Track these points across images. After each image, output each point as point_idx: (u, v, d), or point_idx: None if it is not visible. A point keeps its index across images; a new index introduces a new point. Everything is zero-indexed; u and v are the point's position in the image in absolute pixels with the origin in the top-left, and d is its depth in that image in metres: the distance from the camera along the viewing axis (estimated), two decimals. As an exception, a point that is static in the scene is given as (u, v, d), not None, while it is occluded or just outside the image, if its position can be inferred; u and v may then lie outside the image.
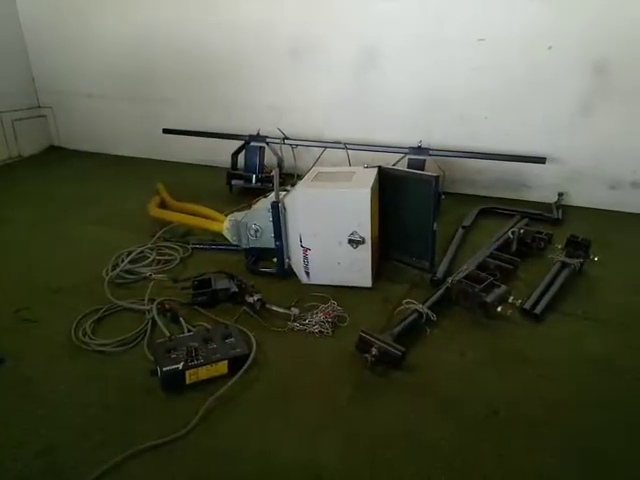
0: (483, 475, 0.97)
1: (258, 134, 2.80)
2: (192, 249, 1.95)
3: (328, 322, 1.43)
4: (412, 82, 2.60)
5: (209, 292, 1.54)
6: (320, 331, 1.41)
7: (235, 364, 1.22)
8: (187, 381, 1.18)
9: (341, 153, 2.67)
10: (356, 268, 1.62)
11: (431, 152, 2.51)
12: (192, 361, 1.18)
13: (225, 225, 1.85)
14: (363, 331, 1.31)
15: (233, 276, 1.60)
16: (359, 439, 1.05)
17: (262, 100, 2.98)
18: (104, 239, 2.08)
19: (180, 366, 1.17)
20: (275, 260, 1.73)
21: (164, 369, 1.16)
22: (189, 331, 1.39)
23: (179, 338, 1.28)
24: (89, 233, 2.16)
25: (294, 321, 1.45)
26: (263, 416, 1.11)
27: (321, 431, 1.07)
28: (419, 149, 2.53)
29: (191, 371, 1.17)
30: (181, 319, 1.44)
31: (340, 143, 2.67)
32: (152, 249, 1.91)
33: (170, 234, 2.07)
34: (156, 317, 1.44)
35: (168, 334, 1.34)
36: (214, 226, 1.96)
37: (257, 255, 1.86)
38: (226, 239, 1.87)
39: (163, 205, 2.35)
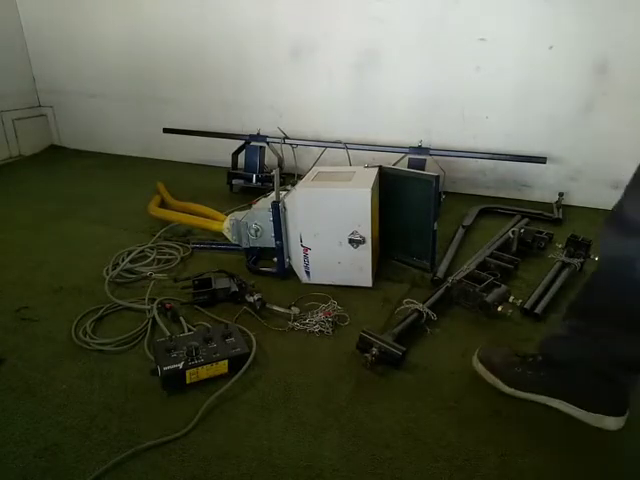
0: (484, 475, 0.97)
1: (258, 134, 2.80)
2: (192, 249, 1.95)
3: (328, 322, 1.43)
4: (413, 81, 2.60)
5: (209, 291, 1.54)
6: (320, 331, 1.41)
7: (235, 363, 1.22)
8: (187, 380, 1.18)
9: (341, 153, 2.67)
10: (356, 268, 1.62)
11: (432, 152, 2.51)
12: (192, 361, 1.18)
13: (225, 225, 1.85)
14: (364, 331, 1.31)
15: (233, 275, 1.60)
16: (360, 438, 1.05)
17: (262, 100, 2.98)
18: (104, 238, 2.08)
19: (180, 365, 1.17)
20: (275, 260, 1.73)
21: (164, 368, 1.16)
22: (189, 330, 1.39)
23: (179, 337, 1.28)
24: (89, 232, 2.16)
25: (294, 321, 1.45)
26: (263, 415, 1.11)
27: (322, 430, 1.07)
28: (419, 149, 2.53)
29: (191, 370, 1.17)
30: (181, 318, 1.44)
31: (340, 143, 2.67)
32: (152, 248, 1.91)
33: (170, 233, 2.08)
34: (156, 316, 1.44)
35: (168, 333, 1.34)
36: (214, 226, 1.96)
37: (257, 255, 1.86)
38: (226, 239, 1.87)
39: (163, 204, 2.36)
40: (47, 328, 1.44)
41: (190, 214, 2.13)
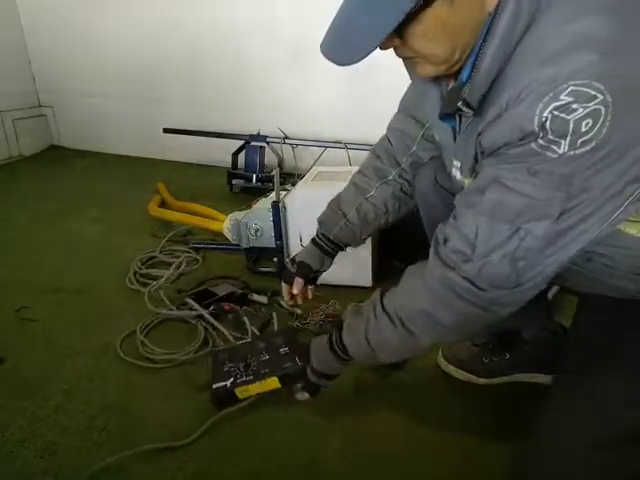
0: (485, 475, 0.97)
1: (258, 134, 2.80)
2: (192, 249, 1.94)
3: (329, 322, 1.43)
4: (412, 82, 2.60)
5: (216, 301, 1.48)
6: (321, 331, 1.41)
7: (286, 380, 1.08)
8: (240, 396, 1.10)
9: (341, 153, 2.67)
10: (356, 268, 1.62)
11: (431, 152, 2.51)
12: (241, 377, 1.10)
13: (225, 225, 1.85)
14: (364, 331, 1.31)
15: (235, 278, 1.59)
16: (360, 439, 1.05)
17: (262, 100, 2.98)
18: (104, 238, 2.08)
19: (228, 384, 1.08)
20: (275, 260, 1.73)
21: (213, 387, 1.09)
22: (253, 334, 1.36)
23: (237, 346, 1.23)
24: (90, 232, 2.16)
25: (295, 320, 1.45)
26: (263, 415, 1.11)
27: (322, 430, 1.07)
28: (419, 149, 2.52)
29: (240, 388, 1.08)
30: (245, 319, 1.39)
31: (340, 143, 2.66)
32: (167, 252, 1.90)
33: (170, 234, 2.07)
34: (215, 323, 1.38)
35: (232, 340, 1.32)
36: (214, 225, 1.96)
37: (257, 255, 1.86)
38: (226, 238, 1.87)
39: (163, 204, 2.35)
40: (47, 328, 1.44)
41: (190, 214, 2.13)
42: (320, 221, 1.21)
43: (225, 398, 1.09)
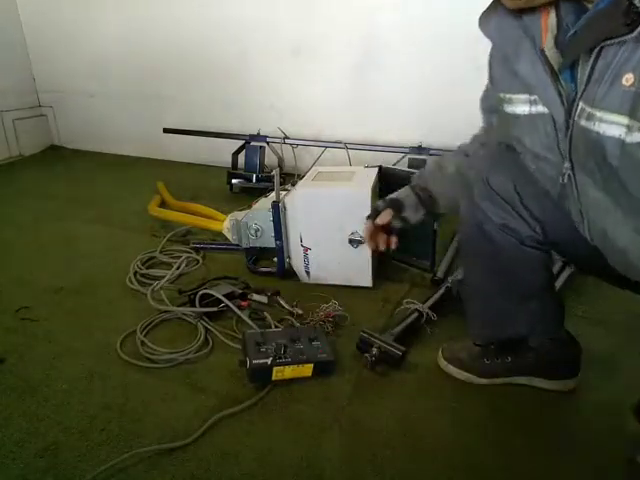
0: (484, 475, 0.97)
1: (258, 134, 2.80)
2: (192, 249, 1.94)
3: (329, 322, 1.43)
4: (413, 81, 2.59)
5: (214, 301, 1.47)
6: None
7: (319, 369, 1.20)
8: (273, 377, 1.18)
9: (341, 153, 2.67)
10: (356, 268, 1.62)
11: (432, 152, 2.50)
12: (280, 358, 1.18)
13: (225, 225, 1.85)
14: (364, 331, 1.31)
15: (235, 278, 1.59)
16: (360, 438, 1.05)
17: (262, 100, 2.98)
18: (104, 238, 2.08)
19: (269, 361, 1.16)
20: (275, 260, 1.73)
21: (253, 362, 1.16)
22: (276, 327, 1.41)
23: (268, 332, 1.29)
24: (90, 232, 2.16)
25: (296, 319, 1.45)
26: (263, 415, 1.11)
27: (322, 430, 1.07)
28: (420, 149, 2.52)
29: (278, 368, 1.17)
30: (266, 314, 1.46)
31: (340, 143, 2.66)
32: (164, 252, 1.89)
33: (170, 234, 2.07)
34: (240, 313, 1.43)
35: (256, 328, 1.36)
36: (214, 225, 1.96)
37: (257, 255, 1.86)
38: (226, 238, 1.87)
39: (163, 204, 2.35)
40: (47, 328, 1.44)
41: (190, 214, 2.13)
42: (418, 175, 1.25)
43: (262, 375, 1.17)
